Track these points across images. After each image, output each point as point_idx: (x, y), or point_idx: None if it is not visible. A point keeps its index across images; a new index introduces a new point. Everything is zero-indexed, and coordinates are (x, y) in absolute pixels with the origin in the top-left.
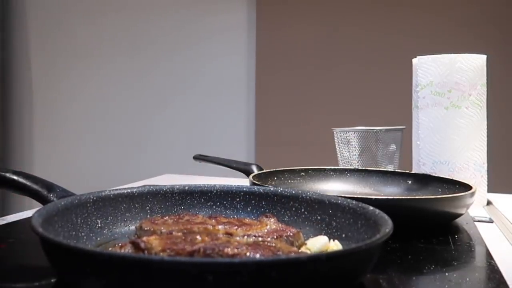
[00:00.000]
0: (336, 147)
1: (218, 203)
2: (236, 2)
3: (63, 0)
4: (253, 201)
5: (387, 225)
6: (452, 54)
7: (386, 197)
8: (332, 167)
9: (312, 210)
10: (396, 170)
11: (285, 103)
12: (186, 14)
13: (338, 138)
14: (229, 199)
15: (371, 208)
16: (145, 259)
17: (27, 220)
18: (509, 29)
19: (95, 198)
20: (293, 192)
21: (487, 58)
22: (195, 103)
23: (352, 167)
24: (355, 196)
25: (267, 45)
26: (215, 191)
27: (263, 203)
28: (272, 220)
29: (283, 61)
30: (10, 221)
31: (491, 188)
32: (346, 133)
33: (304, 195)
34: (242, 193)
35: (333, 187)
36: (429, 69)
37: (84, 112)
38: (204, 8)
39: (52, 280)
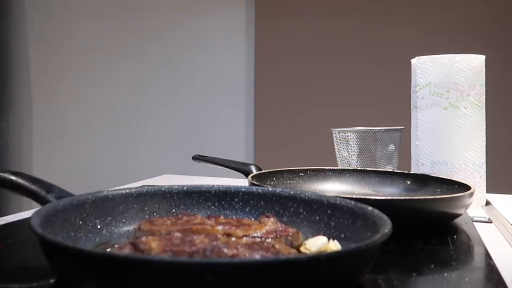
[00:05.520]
0: (335, 147)
1: (216, 204)
2: (235, 3)
3: (63, 1)
4: (251, 202)
5: (386, 226)
6: (451, 54)
7: (385, 198)
8: (331, 168)
9: (310, 210)
10: (395, 171)
11: (284, 103)
12: (186, 15)
13: (337, 138)
14: (228, 199)
15: (370, 208)
16: (145, 260)
17: (26, 220)
18: (508, 29)
19: (93, 198)
20: (292, 192)
21: (486, 58)
22: (194, 103)
23: (351, 168)
24: (354, 196)
25: (266, 46)
26: (213, 192)
27: (262, 203)
28: (272, 220)
29: (282, 62)
30: (9, 221)
31: (490, 189)
32: (345, 133)
33: (302, 196)
34: (240, 194)
35: (332, 188)
36: (427, 69)
37: (83, 112)
38: (203, 9)
39: (51, 281)
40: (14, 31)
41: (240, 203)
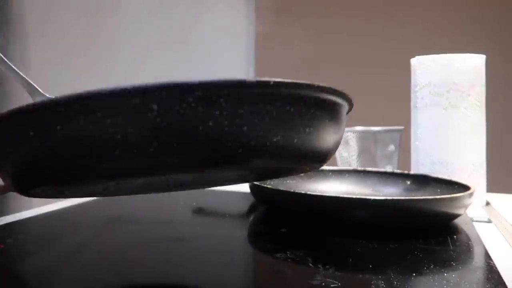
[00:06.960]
0: None
1: None
2: (235, 5)
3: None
4: None
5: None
6: (451, 54)
7: (384, 198)
8: (331, 168)
9: None
10: (395, 171)
11: None
12: (186, 15)
13: None
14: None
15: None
16: (80, 95)
17: (26, 220)
18: (508, 29)
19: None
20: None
21: (486, 58)
22: None
23: (351, 168)
24: (354, 196)
25: (265, 46)
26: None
27: None
28: None
29: (281, 62)
30: (8, 221)
31: (490, 189)
32: (345, 133)
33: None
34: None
35: (332, 188)
36: (427, 69)
37: None
38: (204, 10)
39: (51, 281)
40: (15, 30)
41: None
